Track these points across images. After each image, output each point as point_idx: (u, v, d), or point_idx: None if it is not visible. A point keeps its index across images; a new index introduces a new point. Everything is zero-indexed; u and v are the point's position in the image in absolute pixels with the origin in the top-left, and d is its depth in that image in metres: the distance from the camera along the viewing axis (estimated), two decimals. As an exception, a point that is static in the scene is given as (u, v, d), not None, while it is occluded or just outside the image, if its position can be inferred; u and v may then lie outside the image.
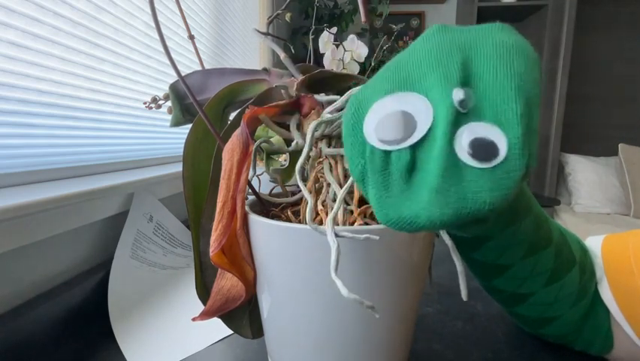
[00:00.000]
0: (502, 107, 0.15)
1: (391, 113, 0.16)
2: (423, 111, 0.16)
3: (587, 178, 2.24)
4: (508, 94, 0.15)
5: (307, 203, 0.20)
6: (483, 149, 0.14)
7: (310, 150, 0.23)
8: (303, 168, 0.22)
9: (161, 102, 0.36)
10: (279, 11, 0.31)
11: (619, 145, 2.27)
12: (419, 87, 0.16)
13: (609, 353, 0.31)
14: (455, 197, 0.14)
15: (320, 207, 0.24)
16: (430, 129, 0.16)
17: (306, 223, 0.25)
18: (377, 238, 0.20)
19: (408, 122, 0.16)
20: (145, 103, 0.36)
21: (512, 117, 0.14)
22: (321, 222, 0.24)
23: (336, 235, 0.19)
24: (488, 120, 0.15)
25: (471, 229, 0.16)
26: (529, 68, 0.15)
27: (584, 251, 0.32)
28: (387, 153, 0.16)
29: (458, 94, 0.15)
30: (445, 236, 0.23)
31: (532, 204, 0.27)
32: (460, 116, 0.15)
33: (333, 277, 0.17)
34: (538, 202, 0.29)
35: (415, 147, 0.16)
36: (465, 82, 0.16)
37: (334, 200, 0.24)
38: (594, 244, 0.33)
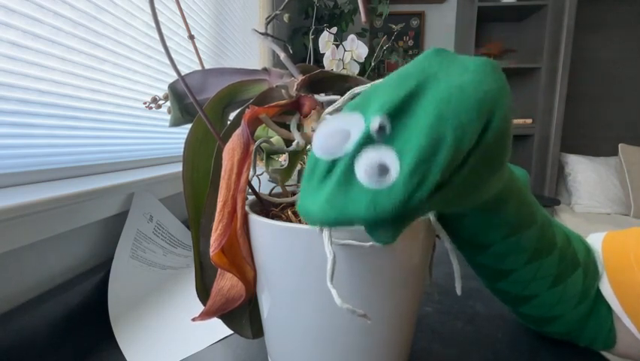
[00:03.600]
0: (411, 140, 0.16)
1: (332, 129, 0.19)
2: (357, 131, 0.18)
3: (587, 178, 2.24)
4: (420, 130, 0.16)
5: None
6: (376, 171, 0.16)
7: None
8: None
9: (161, 102, 0.36)
10: (277, 12, 0.31)
11: (619, 145, 2.27)
12: (366, 108, 0.18)
13: (613, 348, 0.32)
14: (339, 206, 0.17)
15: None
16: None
17: (306, 223, 0.25)
18: (381, 245, 0.20)
19: (342, 139, 0.18)
20: (145, 103, 0.36)
21: (411, 148, 0.16)
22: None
23: (341, 244, 0.20)
24: (393, 149, 0.17)
25: (376, 232, 0.18)
26: (462, 114, 0.16)
27: (588, 252, 0.32)
28: (317, 159, 0.19)
29: (375, 122, 0.17)
30: (445, 240, 0.23)
31: (537, 215, 0.28)
32: (373, 141, 0.17)
33: (328, 286, 0.18)
34: (542, 208, 0.29)
35: (335, 160, 0.18)
36: (398, 111, 0.17)
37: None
38: (595, 240, 0.33)
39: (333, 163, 0.18)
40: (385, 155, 0.17)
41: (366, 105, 0.19)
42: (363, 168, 0.17)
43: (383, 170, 0.16)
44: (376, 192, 0.16)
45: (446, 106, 0.16)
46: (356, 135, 0.18)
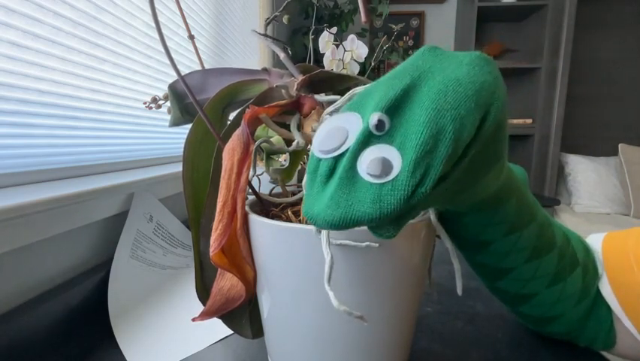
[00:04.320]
0: (409, 135, 0.16)
1: (331, 128, 0.19)
2: (355, 129, 0.18)
3: (587, 178, 2.24)
4: (417, 125, 0.16)
5: None
6: (379, 167, 0.16)
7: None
8: None
9: (161, 102, 0.36)
10: (277, 13, 0.31)
11: (619, 145, 2.27)
12: (363, 107, 0.19)
13: (612, 349, 0.32)
14: (344, 204, 0.16)
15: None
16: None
17: (306, 223, 0.25)
18: (377, 245, 0.20)
19: (341, 137, 0.18)
20: (145, 103, 0.36)
21: (411, 144, 0.16)
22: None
23: (337, 244, 0.20)
24: (394, 144, 0.17)
25: (380, 229, 0.18)
26: (461, 106, 0.16)
27: (588, 251, 0.32)
28: (319, 160, 0.19)
29: (373, 118, 0.17)
30: (445, 240, 0.23)
31: (536, 213, 0.28)
32: (373, 137, 0.17)
33: (326, 288, 0.18)
34: (541, 207, 0.29)
35: (336, 158, 0.18)
36: (395, 107, 0.17)
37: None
38: (595, 241, 0.34)
39: (335, 162, 0.18)
40: (387, 151, 0.17)
41: (362, 105, 0.19)
42: (366, 165, 0.17)
43: (386, 166, 0.16)
44: (381, 188, 0.16)
45: (444, 98, 0.16)
46: (355, 133, 0.18)
